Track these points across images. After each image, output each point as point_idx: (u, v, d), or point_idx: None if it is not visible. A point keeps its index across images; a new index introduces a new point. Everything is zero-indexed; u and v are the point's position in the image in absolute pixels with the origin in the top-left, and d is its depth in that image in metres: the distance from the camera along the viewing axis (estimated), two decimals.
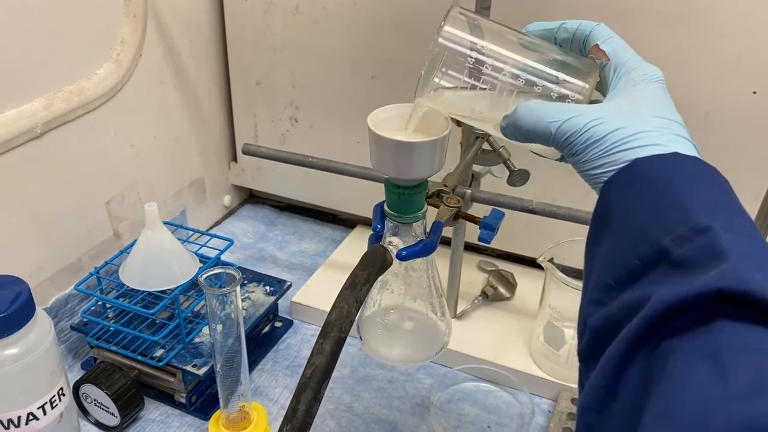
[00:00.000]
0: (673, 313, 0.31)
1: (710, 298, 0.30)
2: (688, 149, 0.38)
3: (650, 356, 0.31)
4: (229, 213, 1.13)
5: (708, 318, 0.30)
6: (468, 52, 0.44)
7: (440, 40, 0.44)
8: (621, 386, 0.32)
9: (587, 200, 0.41)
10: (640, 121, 0.38)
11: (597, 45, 0.43)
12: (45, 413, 0.62)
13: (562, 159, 0.44)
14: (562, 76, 0.43)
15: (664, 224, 0.34)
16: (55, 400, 0.63)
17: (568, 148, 0.40)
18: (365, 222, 1.06)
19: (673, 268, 0.33)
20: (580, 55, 0.45)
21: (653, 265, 0.34)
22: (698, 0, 0.70)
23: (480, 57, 0.44)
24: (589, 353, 0.36)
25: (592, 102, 0.43)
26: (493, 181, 0.75)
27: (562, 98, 0.43)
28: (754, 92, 0.72)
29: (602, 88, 0.44)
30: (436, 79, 0.44)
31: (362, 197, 0.84)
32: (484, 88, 0.44)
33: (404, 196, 0.51)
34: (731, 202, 0.36)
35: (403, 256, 0.51)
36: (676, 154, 0.37)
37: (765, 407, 0.26)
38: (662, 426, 0.28)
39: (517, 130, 0.42)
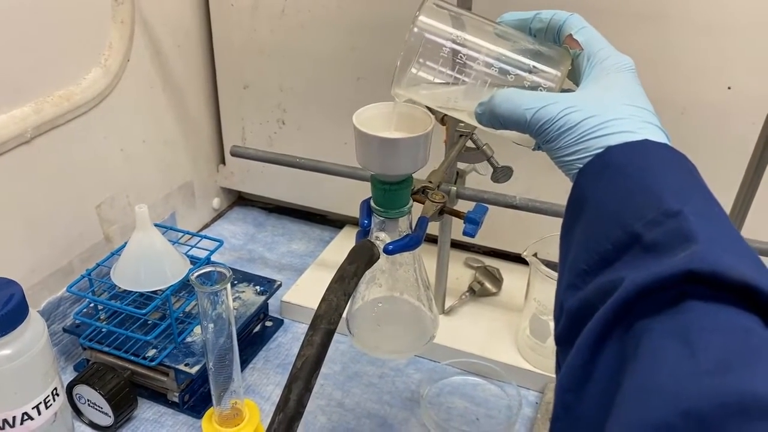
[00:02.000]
0: (645, 295, 0.32)
1: (680, 280, 0.31)
2: (658, 136, 0.39)
3: (624, 337, 0.32)
4: (219, 215, 1.14)
5: (678, 299, 0.31)
6: (442, 42, 0.45)
7: (415, 30, 0.45)
8: (596, 367, 0.33)
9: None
10: (612, 108, 0.39)
11: (571, 35, 0.44)
12: (39, 413, 0.63)
13: (538, 147, 0.45)
14: (534, 64, 0.44)
15: (635, 210, 0.35)
16: (49, 400, 0.63)
17: (543, 136, 0.41)
18: (354, 222, 1.08)
19: (644, 251, 0.34)
20: (554, 44, 0.46)
21: (626, 250, 0.35)
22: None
23: (454, 47, 0.45)
24: (565, 336, 0.37)
25: (564, 90, 0.44)
26: (478, 179, 0.76)
27: (534, 86, 0.44)
28: (729, 88, 0.74)
29: (575, 77, 0.45)
30: (413, 70, 0.45)
31: (350, 198, 0.85)
32: (459, 77, 0.45)
33: (390, 192, 0.52)
34: (700, 187, 0.37)
35: (390, 250, 0.52)
36: (646, 141, 0.38)
37: (731, 382, 0.27)
38: (635, 401, 0.29)
39: (493, 117, 0.43)
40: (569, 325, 0.37)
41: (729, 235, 0.34)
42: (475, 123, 0.45)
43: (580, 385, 0.33)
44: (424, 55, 0.45)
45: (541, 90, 0.44)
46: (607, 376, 0.32)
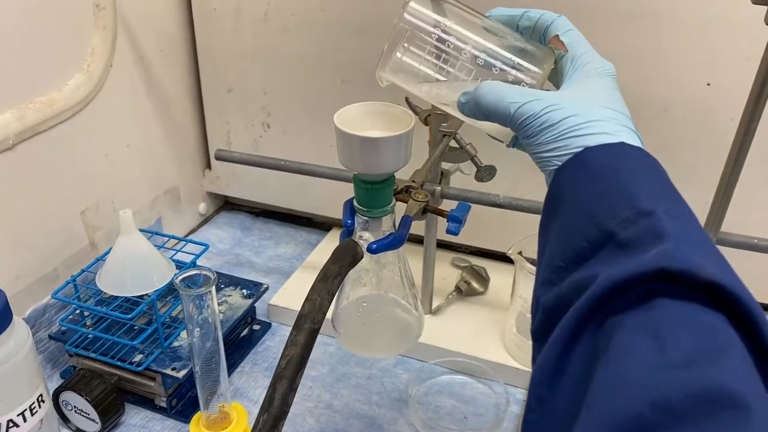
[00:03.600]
0: (618, 291, 0.33)
1: (652, 277, 0.32)
2: (633, 140, 0.40)
3: (597, 332, 0.33)
4: (205, 220, 1.14)
5: (650, 295, 0.32)
6: (431, 29, 0.46)
7: (405, 15, 0.45)
8: (570, 361, 0.34)
9: None
10: (592, 110, 0.41)
11: (557, 36, 0.45)
12: (25, 420, 0.62)
13: (513, 144, 0.46)
14: (519, 61, 0.45)
15: (610, 209, 0.36)
16: (35, 407, 0.63)
17: (524, 130, 0.42)
18: (340, 225, 1.07)
19: (618, 249, 0.35)
20: (540, 43, 0.47)
21: (600, 247, 0.36)
22: None
23: (442, 35, 0.46)
24: (541, 331, 0.38)
25: (543, 90, 0.45)
26: (463, 179, 0.77)
27: (516, 82, 0.45)
28: (708, 84, 0.75)
29: (556, 77, 0.46)
30: (399, 54, 0.46)
31: (336, 200, 0.85)
32: (444, 67, 0.46)
33: (372, 191, 0.53)
34: (671, 190, 0.38)
35: (374, 249, 0.53)
36: (622, 144, 0.39)
37: (699, 375, 0.29)
38: (606, 393, 0.30)
39: (477, 107, 0.44)
40: (545, 320, 0.37)
41: (698, 235, 0.35)
42: (455, 113, 0.46)
43: (553, 378, 0.34)
44: (410, 41, 0.45)
45: (523, 86, 0.45)
46: (580, 369, 0.33)
